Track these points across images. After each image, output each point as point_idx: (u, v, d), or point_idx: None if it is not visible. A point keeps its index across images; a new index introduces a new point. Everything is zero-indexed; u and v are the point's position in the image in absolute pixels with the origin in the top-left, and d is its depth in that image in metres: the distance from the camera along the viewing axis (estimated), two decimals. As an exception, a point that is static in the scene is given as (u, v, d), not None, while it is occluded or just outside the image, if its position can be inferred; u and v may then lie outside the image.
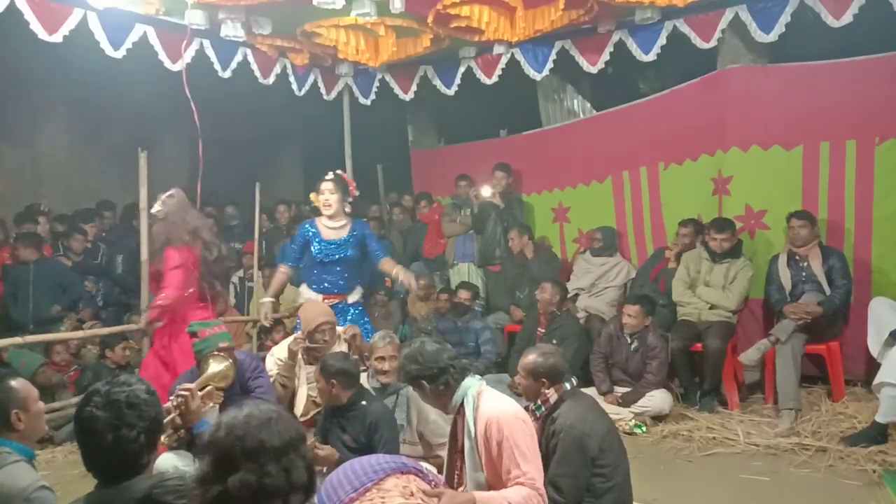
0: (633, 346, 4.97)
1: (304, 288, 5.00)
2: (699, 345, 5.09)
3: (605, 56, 5.44)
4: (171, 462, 3.06)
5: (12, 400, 2.31)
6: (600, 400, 4.56)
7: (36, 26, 4.23)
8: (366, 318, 5.03)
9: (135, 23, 4.71)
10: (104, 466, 1.83)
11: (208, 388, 3.19)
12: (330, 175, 4.92)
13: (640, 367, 4.94)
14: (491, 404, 2.58)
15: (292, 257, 5.00)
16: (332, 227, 4.88)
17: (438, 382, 2.65)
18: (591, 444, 2.86)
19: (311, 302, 4.70)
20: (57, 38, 4.34)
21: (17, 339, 4.78)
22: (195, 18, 4.71)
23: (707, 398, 5.00)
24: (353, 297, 4.97)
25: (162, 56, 4.91)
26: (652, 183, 6.16)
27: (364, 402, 3.49)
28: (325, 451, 3.37)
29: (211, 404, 3.16)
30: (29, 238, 6.13)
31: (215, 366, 3.33)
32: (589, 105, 6.97)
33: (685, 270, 5.40)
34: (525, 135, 7.24)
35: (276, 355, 4.31)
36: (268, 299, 5.00)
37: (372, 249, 4.96)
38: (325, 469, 3.33)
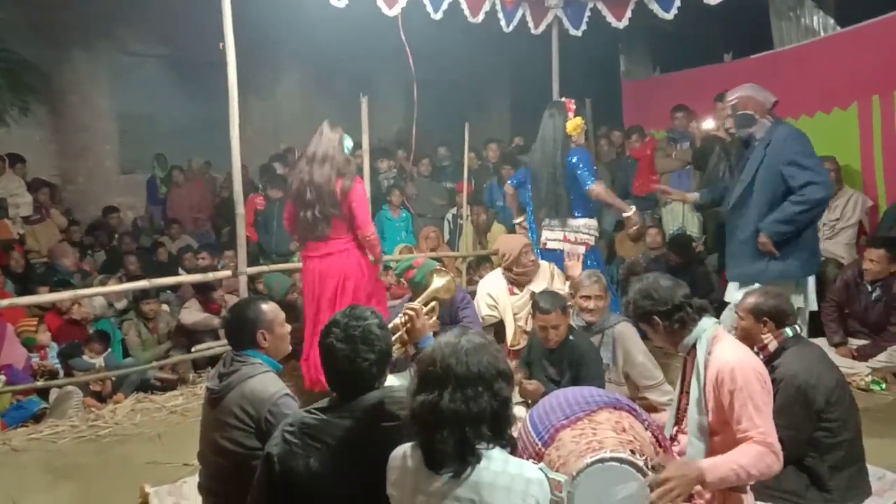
0: (874, 295, 4.43)
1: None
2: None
3: (855, -39, 4.70)
4: (392, 381, 3.36)
5: (260, 321, 2.63)
6: (831, 352, 4.15)
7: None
8: None
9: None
10: (343, 387, 2.07)
11: (432, 303, 3.39)
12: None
13: (882, 318, 4.41)
14: (726, 350, 2.42)
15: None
16: None
17: (673, 320, 2.49)
18: (817, 396, 2.66)
19: (505, 235, 4.74)
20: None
21: (264, 268, 5.47)
22: (409, -38, 4.85)
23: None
24: None
25: (380, 2, 5.13)
26: (908, 108, 5.32)
27: (571, 338, 3.54)
28: (532, 385, 3.51)
29: (435, 318, 3.34)
30: (275, 180, 7.29)
31: (438, 280, 3.52)
32: (832, 21, 6.13)
33: (948, 209, 4.65)
34: (754, 58, 6.59)
35: (487, 290, 4.49)
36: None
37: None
38: (529, 401, 3.46)
